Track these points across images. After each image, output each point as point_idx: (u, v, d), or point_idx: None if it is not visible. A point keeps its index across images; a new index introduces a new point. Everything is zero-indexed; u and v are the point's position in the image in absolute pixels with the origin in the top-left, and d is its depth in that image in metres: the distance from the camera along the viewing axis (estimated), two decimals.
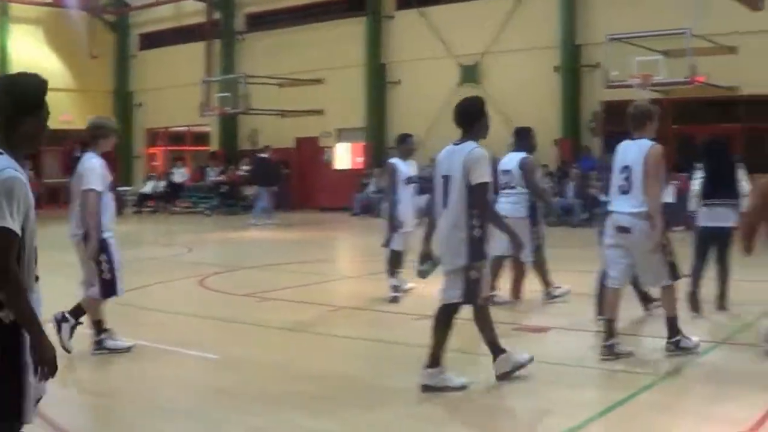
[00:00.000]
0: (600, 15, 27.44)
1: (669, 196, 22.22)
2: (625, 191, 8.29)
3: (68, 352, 8.40)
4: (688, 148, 25.65)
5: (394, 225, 12.04)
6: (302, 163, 34.44)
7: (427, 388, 7.23)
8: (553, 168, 27.24)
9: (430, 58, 30.97)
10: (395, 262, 12.12)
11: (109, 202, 8.61)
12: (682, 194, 18.75)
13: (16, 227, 3.95)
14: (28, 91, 4.18)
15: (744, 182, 10.88)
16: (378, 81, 32.70)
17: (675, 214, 19.75)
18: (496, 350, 7.46)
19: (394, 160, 12.36)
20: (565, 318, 10.48)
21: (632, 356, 8.31)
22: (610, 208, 8.49)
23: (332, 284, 14.92)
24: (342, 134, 34.04)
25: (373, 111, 32.51)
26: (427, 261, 7.60)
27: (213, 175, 33.84)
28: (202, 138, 39.13)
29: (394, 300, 11.79)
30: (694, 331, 8.75)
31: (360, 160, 33.45)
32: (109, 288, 8.55)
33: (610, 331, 8.30)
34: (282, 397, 7.26)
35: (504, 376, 7.44)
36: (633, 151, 8.28)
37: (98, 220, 8.36)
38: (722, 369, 8.30)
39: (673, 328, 8.39)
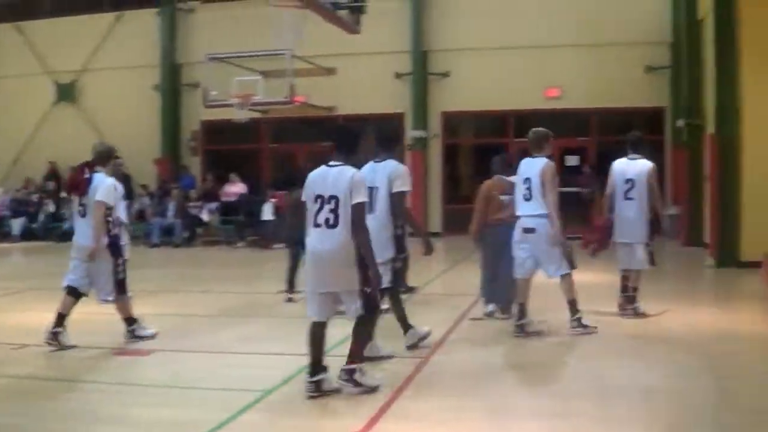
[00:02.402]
0: (201, 35, 27.65)
1: (268, 213, 22.66)
2: (527, 198, 9.99)
3: None
4: (287, 167, 26.43)
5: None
6: None
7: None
8: (153, 188, 26.97)
9: (24, 75, 29.64)
10: None
11: None
12: (281, 212, 19.11)
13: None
14: (357, 133, 7.85)
15: None
16: None
17: (275, 231, 20.15)
18: (407, 327, 9.43)
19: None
20: (171, 340, 10.22)
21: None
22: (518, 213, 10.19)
23: None
24: None
25: None
26: None
27: None
28: None
29: None
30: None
31: None
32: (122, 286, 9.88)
33: (522, 313, 10.16)
34: None
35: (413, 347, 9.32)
36: (533, 167, 10.00)
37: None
38: None
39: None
